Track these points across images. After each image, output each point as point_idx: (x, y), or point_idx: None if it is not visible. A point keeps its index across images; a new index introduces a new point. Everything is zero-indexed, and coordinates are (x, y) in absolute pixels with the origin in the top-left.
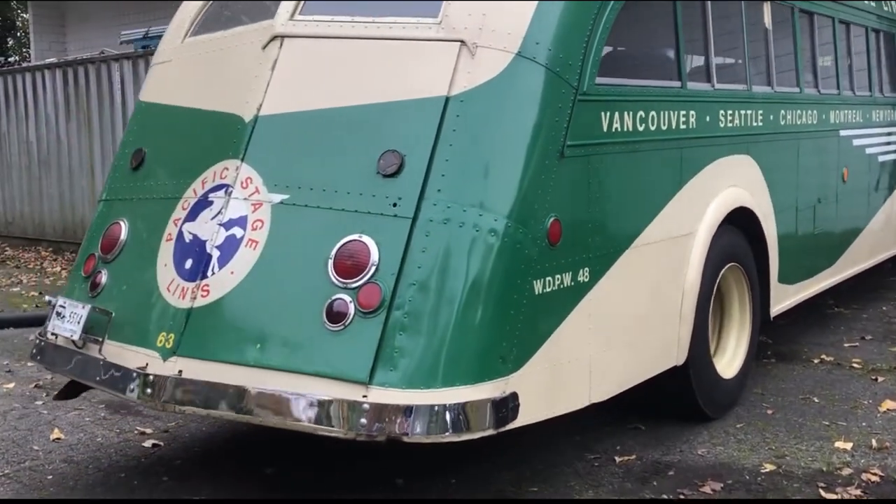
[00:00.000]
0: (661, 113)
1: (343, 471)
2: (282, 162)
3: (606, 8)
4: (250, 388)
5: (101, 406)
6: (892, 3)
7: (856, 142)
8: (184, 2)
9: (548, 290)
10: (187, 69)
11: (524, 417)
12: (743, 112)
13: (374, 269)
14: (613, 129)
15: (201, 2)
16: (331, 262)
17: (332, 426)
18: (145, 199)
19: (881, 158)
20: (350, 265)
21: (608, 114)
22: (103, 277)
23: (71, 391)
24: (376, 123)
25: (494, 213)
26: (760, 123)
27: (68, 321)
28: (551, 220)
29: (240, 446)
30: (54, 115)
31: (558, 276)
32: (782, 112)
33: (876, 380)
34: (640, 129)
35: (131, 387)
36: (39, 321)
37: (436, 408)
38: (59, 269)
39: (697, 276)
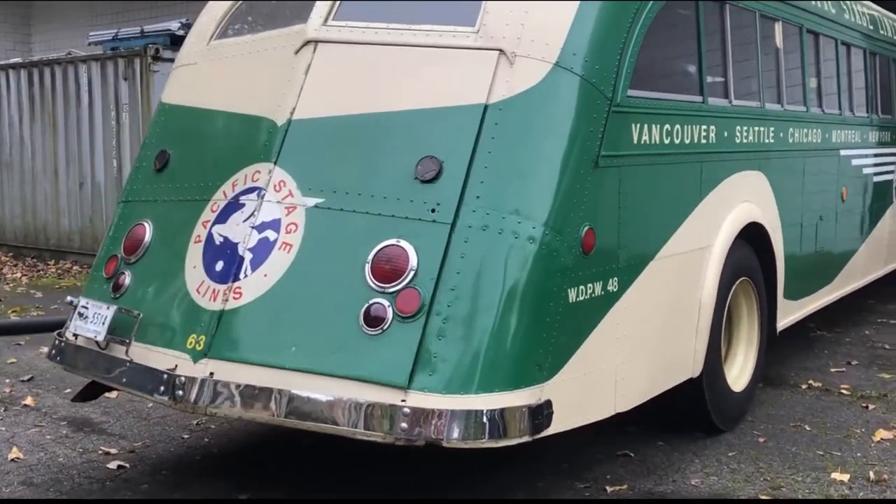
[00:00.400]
0: (685, 127)
1: (316, 493)
2: (316, 166)
3: (637, 23)
4: (287, 391)
5: (63, 423)
6: (889, 26)
7: (854, 161)
8: (208, 3)
9: (581, 298)
10: (214, 72)
11: (557, 425)
12: (757, 129)
13: (412, 273)
14: (642, 142)
15: (228, 3)
16: (368, 267)
17: (372, 430)
18: (171, 201)
19: (875, 179)
20: (388, 269)
21: (638, 126)
22: (127, 279)
23: (90, 393)
24: (413, 129)
25: (532, 220)
26: (772, 140)
27: (92, 322)
28: (585, 228)
29: (211, 470)
30: (18, 117)
31: (590, 284)
32: (791, 130)
33: (867, 407)
34: (666, 142)
35: (161, 389)
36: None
37: (474, 413)
38: (19, 274)
39: (714, 288)
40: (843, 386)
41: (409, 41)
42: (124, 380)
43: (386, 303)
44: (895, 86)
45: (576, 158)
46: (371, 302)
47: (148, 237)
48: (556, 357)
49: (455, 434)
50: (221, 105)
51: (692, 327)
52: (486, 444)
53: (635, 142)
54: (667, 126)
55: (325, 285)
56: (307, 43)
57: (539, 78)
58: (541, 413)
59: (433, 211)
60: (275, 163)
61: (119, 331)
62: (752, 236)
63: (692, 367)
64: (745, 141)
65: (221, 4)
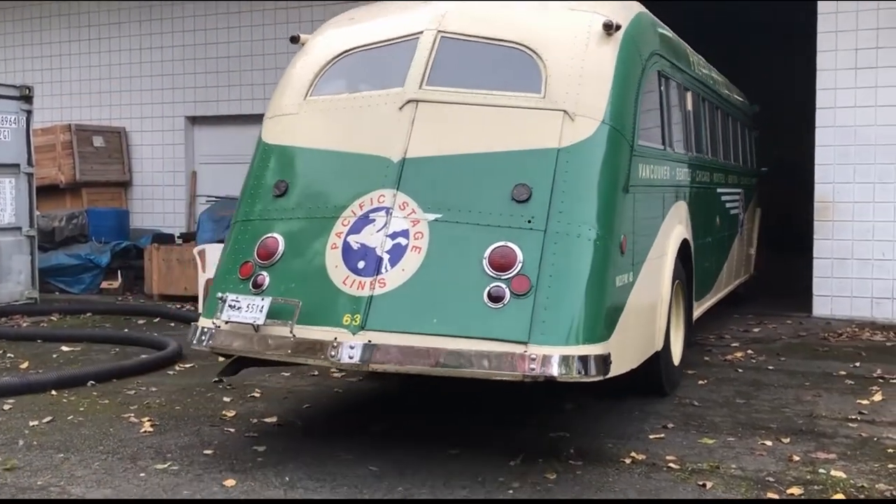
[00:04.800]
0: (658, 167)
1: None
2: (431, 191)
3: (640, 94)
4: (440, 348)
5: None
6: (735, 92)
7: (722, 197)
8: (292, 69)
9: (620, 284)
10: (316, 120)
11: (612, 371)
12: (684, 170)
13: (521, 265)
14: (642, 176)
15: (315, 67)
16: (485, 261)
17: (506, 371)
18: (297, 219)
19: (732, 211)
20: (503, 262)
21: (641, 165)
22: (266, 279)
23: (232, 370)
24: (507, 165)
25: (595, 228)
26: (689, 179)
27: (247, 311)
28: (622, 235)
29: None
30: None
31: (624, 275)
32: (697, 171)
33: (704, 486)
34: (651, 177)
35: (331, 354)
36: None
37: (573, 358)
38: None
39: (669, 286)
40: (668, 458)
41: (490, 102)
42: (289, 351)
43: (503, 286)
44: (740, 139)
45: (617, 186)
46: (492, 285)
47: (281, 246)
48: (611, 324)
49: (563, 371)
50: (331, 146)
51: (659, 313)
52: (579, 379)
53: (640, 176)
54: (652, 166)
55: (453, 275)
56: (409, 101)
57: (592, 131)
58: (607, 360)
59: (529, 222)
60: (397, 188)
61: (279, 316)
62: (681, 250)
63: (659, 342)
64: (679, 178)
65: (306, 71)
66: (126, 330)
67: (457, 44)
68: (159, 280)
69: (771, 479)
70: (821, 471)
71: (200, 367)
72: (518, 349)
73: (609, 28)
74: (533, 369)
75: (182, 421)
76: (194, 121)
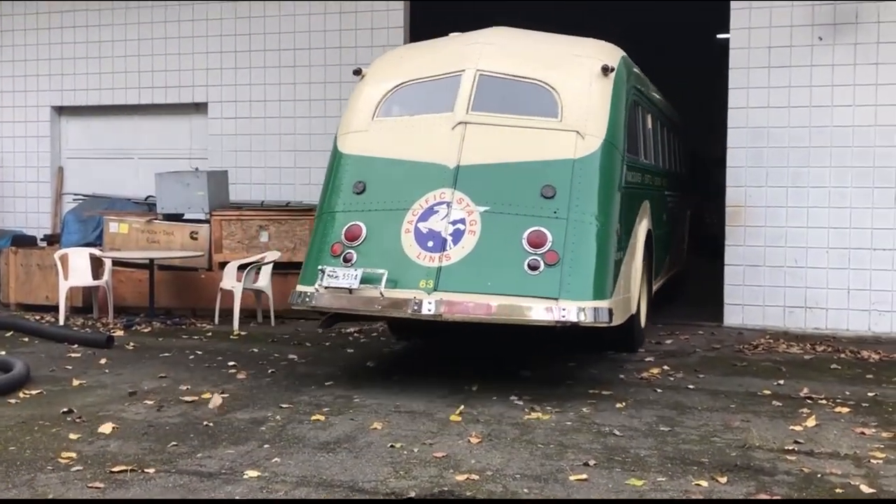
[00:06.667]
0: (635, 173)
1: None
2: (481, 190)
3: (626, 121)
4: (492, 304)
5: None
6: (671, 109)
7: (668, 198)
8: (359, 95)
9: (616, 258)
10: (387, 136)
11: (614, 321)
12: (649, 175)
13: (551, 243)
14: (627, 180)
15: (377, 97)
16: (524, 241)
17: (545, 319)
18: (375, 210)
19: (674, 210)
20: (538, 241)
21: (628, 172)
22: (354, 256)
23: (329, 324)
24: (536, 171)
25: (601, 217)
26: (651, 182)
27: (343, 279)
28: (618, 224)
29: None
30: None
31: (619, 252)
32: (654, 176)
33: None
34: (632, 181)
35: (414, 307)
36: None
37: (590, 309)
38: None
39: (641, 263)
40: None
41: (521, 124)
42: (379, 307)
43: (539, 259)
44: (676, 149)
45: (615, 187)
46: (530, 258)
47: (364, 231)
48: (612, 286)
49: (582, 318)
50: (399, 156)
51: (635, 284)
52: (595, 324)
53: (627, 180)
54: (633, 172)
55: (500, 251)
56: (459, 123)
57: (597, 146)
58: (612, 312)
59: (555, 212)
60: (454, 188)
61: (369, 281)
62: (647, 238)
63: (634, 307)
64: (646, 182)
65: (375, 96)
66: None
67: (492, 80)
68: (17, 287)
69: None
70: None
71: (49, 393)
72: (551, 304)
73: (606, 70)
74: (564, 317)
75: (13, 467)
76: (61, 111)
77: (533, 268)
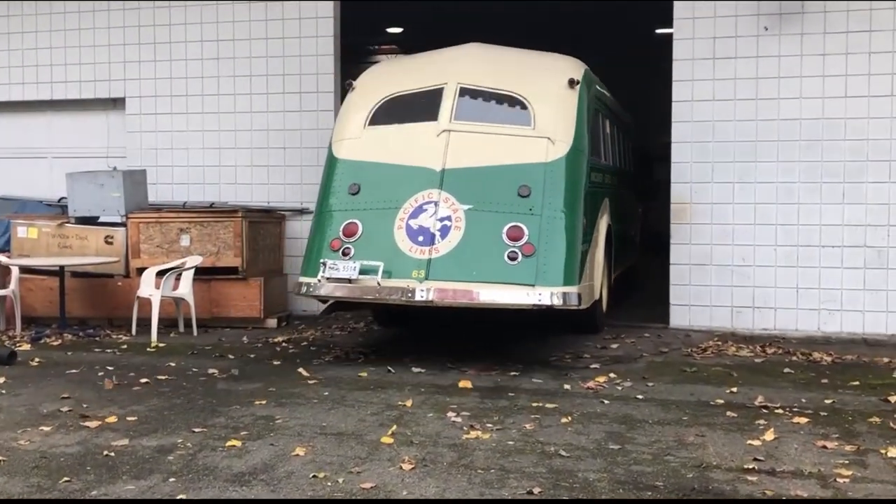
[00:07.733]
0: (597, 173)
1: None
2: (464, 190)
3: (589, 127)
4: (477, 291)
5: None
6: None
7: (623, 195)
8: (351, 106)
9: (583, 249)
10: (375, 143)
11: (582, 304)
12: (608, 175)
13: (527, 236)
14: (592, 180)
15: (369, 107)
16: (504, 235)
17: (523, 303)
18: (370, 209)
19: (628, 206)
20: (516, 235)
21: (591, 172)
22: (352, 250)
23: (330, 311)
24: (512, 173)
25: (570, 213)
26: (609, 181)
27: (343, 270)
28: (584, 219)
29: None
30: None
31: (585, 244)
32: (611, 175)
33: None
34: (595, 181)
35: (408, 295)
36: None
37: (562, 293)
38: None
39: (602, 254)
40: None
41: (499, 132)
42: (377, 295)
43: (517, 250)
44: (627, 149)
45: (581, 186)
46: (509, 250)
47: (361, 228)
48: (580, 274)
49: (556, 301)
50: (390, 160)
51: (598, 272)
52: (566, 307)
53: (591, 181)
54: (595, 172)
55: (483, 244)
56: (444, 131)
57: (565, 151)
58: (581, 297)
59: (530, 209)
60: (440, 188)
61: (367, 272)
62: (607, 232)
63: (597, 293)
64: (605, 181)
65: (366, 107)
66: None
67: (471, 92)
68: None
69: None
70: None
71: None
72: (529, 290)
73: (573, 83)
74: (540, 301)
75: None
76: None
77: (512, 258)
